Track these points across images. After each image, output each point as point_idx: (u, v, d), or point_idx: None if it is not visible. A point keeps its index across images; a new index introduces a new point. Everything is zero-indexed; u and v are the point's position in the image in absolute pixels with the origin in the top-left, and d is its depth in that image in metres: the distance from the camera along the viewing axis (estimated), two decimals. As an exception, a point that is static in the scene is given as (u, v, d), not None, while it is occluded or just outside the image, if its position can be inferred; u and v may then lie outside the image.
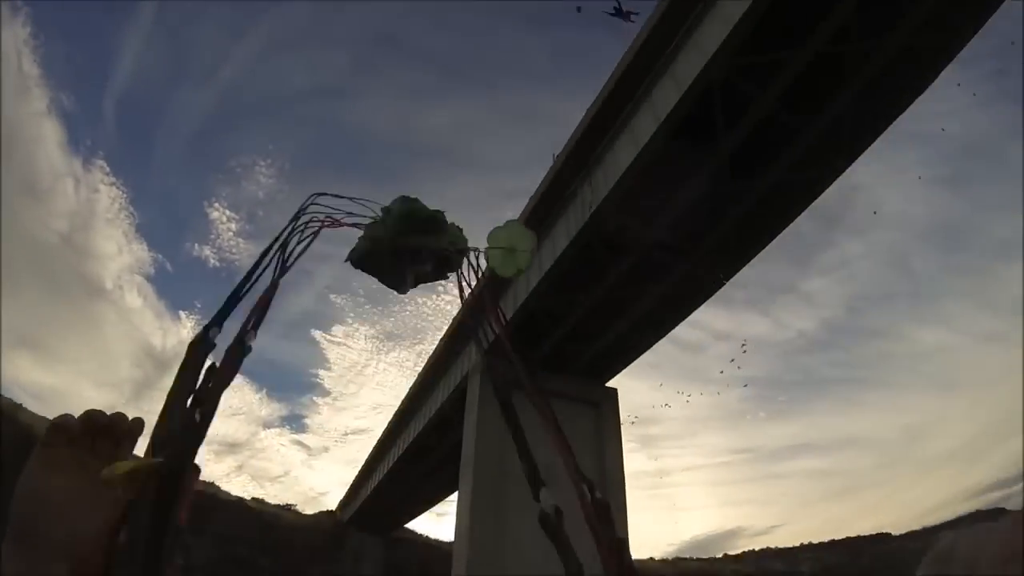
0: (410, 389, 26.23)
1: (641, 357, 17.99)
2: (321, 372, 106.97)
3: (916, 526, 48.62)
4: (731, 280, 15.55)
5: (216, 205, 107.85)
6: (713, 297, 15.80)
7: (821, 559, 49.37)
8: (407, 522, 42.97)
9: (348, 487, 42.14)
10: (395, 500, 36.08)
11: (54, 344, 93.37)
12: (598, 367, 17.70)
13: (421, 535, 47.16)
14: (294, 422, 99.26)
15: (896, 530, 51.12)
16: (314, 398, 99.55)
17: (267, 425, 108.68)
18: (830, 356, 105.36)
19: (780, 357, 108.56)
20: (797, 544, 53.52)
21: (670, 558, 53.57)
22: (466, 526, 13.93)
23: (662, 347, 17.34)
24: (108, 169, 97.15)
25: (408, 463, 28.84)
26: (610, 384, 18.61)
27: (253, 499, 43.70)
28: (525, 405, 0.80)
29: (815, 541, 53.12)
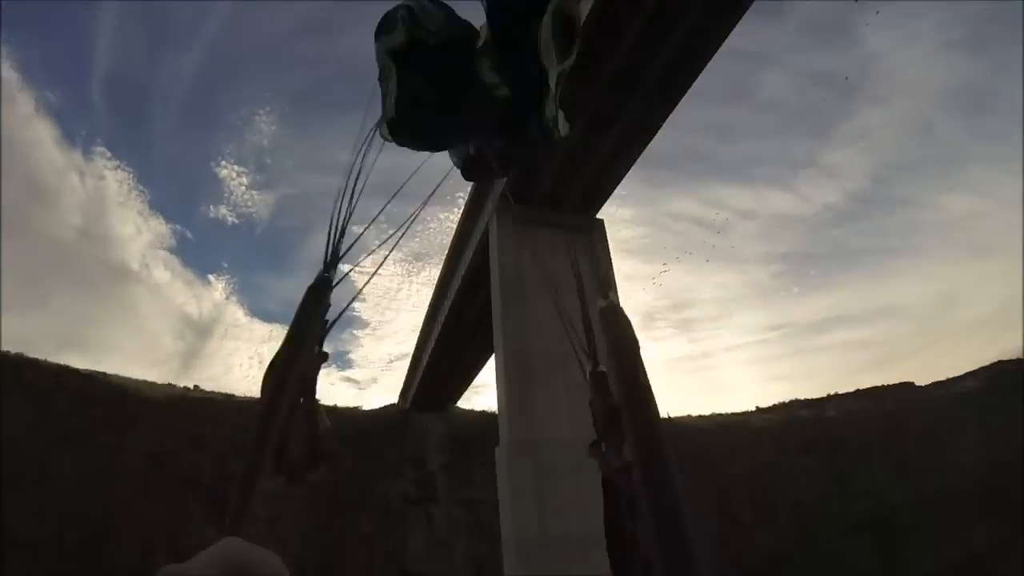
0: (441, 269, 31.31)
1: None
2: (356, 305, 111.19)
3: (941, 376, 49.43)
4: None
5: (223, 163, 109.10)
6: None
7: (845, 405, 51.11)
8: (460, 397, 50.36)
9: (404, 378, 49.34)
10: (445, 375, 42.72)
11: (96, 336, 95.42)
12: (586, 202, 22.83)
13: (476, 409, 54.62)
14: (339, 360, 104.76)
15: (921, 381, 52.43)
16: (354, 332, 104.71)
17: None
18: (858, 227, 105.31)
19: (807, 232, 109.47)
20: (824, 395, 54.74)
21: (707, 413, 58.32)
22: (499, 324, 19.52)
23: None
24: (109, 154, 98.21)
25: (449, 334, 34.48)
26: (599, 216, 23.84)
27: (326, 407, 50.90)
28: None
29: (841, 391, 54.24)
